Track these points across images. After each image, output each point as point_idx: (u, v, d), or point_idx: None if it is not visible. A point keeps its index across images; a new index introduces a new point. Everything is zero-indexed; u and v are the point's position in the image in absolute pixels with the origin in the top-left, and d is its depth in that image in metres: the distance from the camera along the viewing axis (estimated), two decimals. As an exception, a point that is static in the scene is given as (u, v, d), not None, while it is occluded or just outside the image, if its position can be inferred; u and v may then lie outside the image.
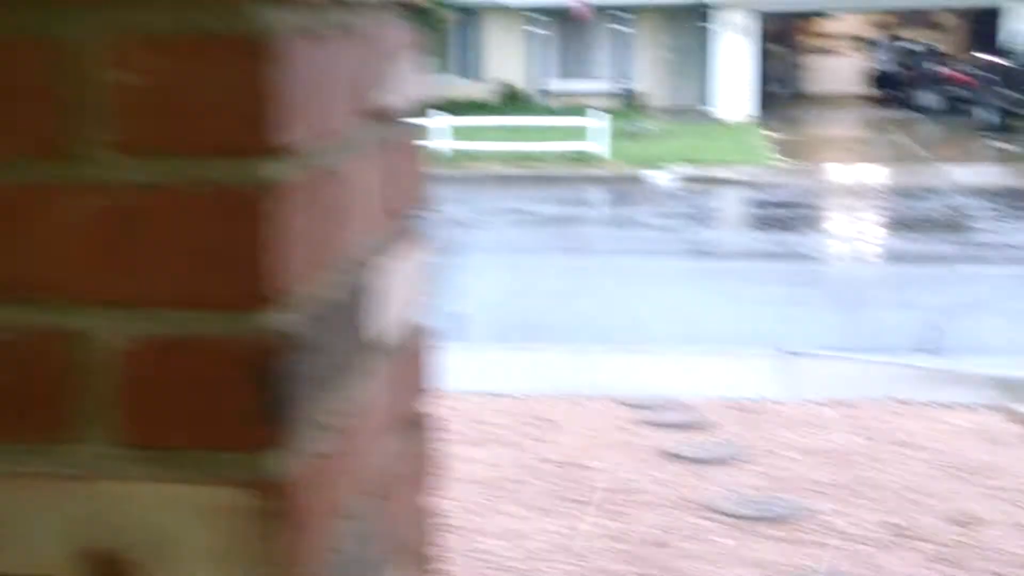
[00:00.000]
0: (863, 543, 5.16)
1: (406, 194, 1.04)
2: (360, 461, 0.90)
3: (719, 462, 6.33)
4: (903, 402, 7.62)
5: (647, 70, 30.37)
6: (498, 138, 22.02)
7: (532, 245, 14.92)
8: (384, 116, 0.97)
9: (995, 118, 24.40)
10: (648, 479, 6.05)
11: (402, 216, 1.02)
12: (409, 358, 1.04)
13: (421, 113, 1.07)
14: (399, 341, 1.00)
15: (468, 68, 30.48)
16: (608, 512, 5.59)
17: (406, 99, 1.03)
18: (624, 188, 19.84)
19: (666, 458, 6.41)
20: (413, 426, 1.05)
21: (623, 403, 7.58)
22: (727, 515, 5.50)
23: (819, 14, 35.50)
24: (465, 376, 8.60)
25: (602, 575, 4.86)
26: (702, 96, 28.86)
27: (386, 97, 0.97)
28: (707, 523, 5.39)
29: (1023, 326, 10.61)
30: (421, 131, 1.08)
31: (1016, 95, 22.84)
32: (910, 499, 5.73)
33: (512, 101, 28.99)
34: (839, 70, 36.78)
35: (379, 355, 0.94)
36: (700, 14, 28.49)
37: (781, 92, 34.96)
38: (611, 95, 29.07)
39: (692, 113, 28.24)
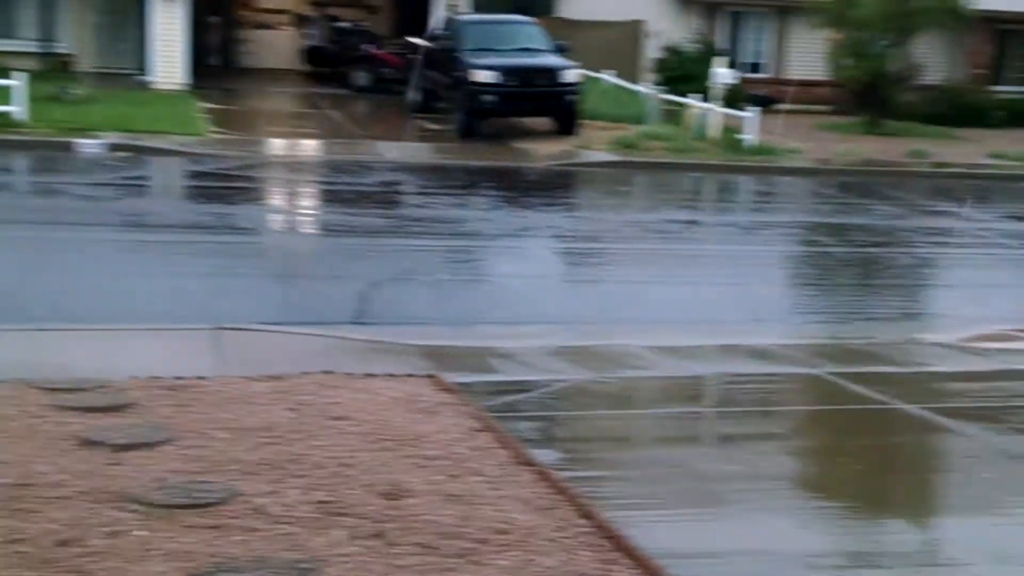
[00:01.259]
0: (291, 524, 4.97)
1: None
2: None
3: (142, 446, 5.88)
4: (335, 374, 7.58)
5: (78, 33, 28.63)
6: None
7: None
8: None
9: (420, 98, 25.48)
10: (60, 471, 5.48)
11: None
12: None
13: None
14: None
15: None
16: (15, 512, 4.98)
17: None
18: (49, 155, 18.50)
19: (83, 445, 5.87)
20: None
21: (37, 387, 6.90)
22: (146, 504, 5.08)
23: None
24: None
25: (0, 585, 4.29)
26: (137, 63, 27.67)
27: None
28: (124, 515, 4.95)
29: (447, 296, 11.05)
30: None
31: (439, 77, 23.95)
32: (340, 474, 5.63)
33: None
34: (277, 45, 36.79)
35: None
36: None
37: (219, 64, 34.42)
38: (37, 56, 27.13)
39: (126, 80, 27.01)
